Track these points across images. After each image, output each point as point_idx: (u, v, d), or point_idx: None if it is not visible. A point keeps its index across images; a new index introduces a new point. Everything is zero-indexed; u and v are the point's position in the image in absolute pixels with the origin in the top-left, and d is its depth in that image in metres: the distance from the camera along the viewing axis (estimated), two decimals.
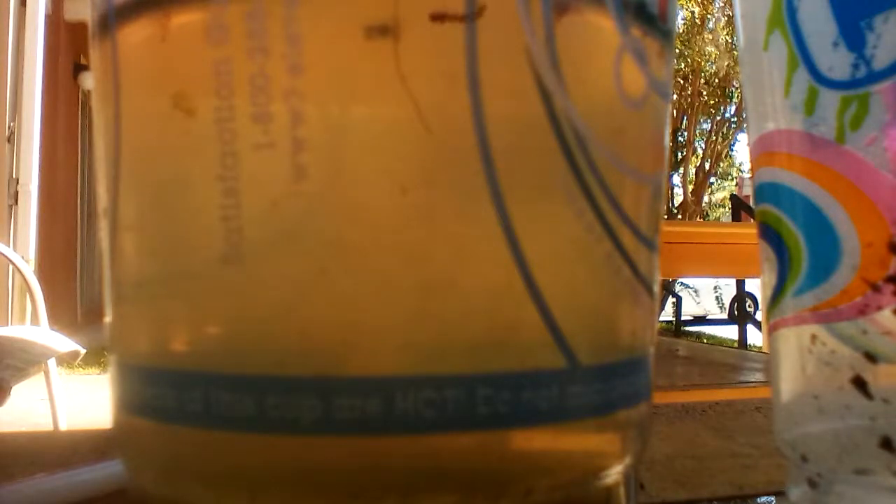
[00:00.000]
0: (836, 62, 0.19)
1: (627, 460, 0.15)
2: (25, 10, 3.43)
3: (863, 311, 0.19)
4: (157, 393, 0.14)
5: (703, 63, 9.15)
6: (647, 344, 0.16)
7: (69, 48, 4.84)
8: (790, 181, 0.20)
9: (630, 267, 0.15)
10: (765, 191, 0.21)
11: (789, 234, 0.20)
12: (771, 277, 0.21)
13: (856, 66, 0.19)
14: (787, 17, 0.20)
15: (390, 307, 0.13)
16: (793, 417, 0.20)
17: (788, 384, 0.20)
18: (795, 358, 0.20)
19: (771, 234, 0.21)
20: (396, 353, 0.13)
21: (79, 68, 4.94)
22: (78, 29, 4.68)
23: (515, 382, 0.13)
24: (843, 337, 0.19)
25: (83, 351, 1.79)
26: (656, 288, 0.16)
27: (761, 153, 0.21)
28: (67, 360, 1.82)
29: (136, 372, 0.15)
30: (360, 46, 0.13)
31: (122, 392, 0.15)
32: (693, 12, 8.94)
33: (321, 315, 0.13)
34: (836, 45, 0.19)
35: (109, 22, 0.15)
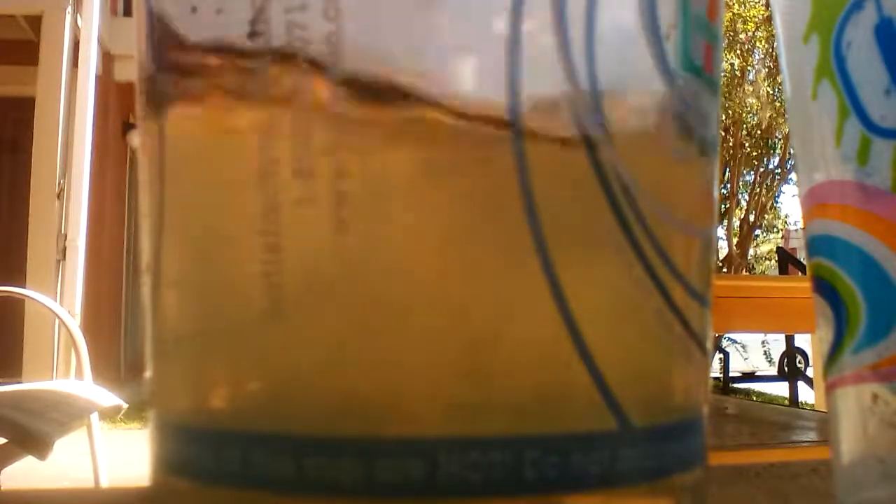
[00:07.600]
0: (889, 110, 0.19)
1: None
2: (77, 71, 3.55)
3: None
4: (195, 452, 0.14)
5: (744, 115, 9.11)
6: (700, 404, 0.15)
7: (119, 107, 5.00)
8: (844, 233, 0.20)
9: (682, 323, 0.14)
10: (818, 243, 0.21)
11: (845, 288, 0.19)
12: (827, 334, 0.20)
13: None
14: (836, 66, 0.20)
15: (433, 365, 0.13)
16: (856, 481, 0.19)
17: (849, 446, 0.19)
18: (856, 418, 0.19)
19: (826, 289, 0.20)
20: (440, 414, 0.13)
21: (128, 127, 5.08)
22: (127, 89, 4.83)
23: (564, 445, 0.13)
24: None
25: (125, 406, 1.80)
26: (709, 345, 0.15)
27: (813, 205, 0.21)
28: (110, 415, 1.83)
29: (173, 430, 0.14)
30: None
31: (159, 450, 0.15)
32: (733, 64, 8.94)
33: (362, 373, 0.13)
34: (888, 92, 0.19)
35: (156, 80, 0.15)
